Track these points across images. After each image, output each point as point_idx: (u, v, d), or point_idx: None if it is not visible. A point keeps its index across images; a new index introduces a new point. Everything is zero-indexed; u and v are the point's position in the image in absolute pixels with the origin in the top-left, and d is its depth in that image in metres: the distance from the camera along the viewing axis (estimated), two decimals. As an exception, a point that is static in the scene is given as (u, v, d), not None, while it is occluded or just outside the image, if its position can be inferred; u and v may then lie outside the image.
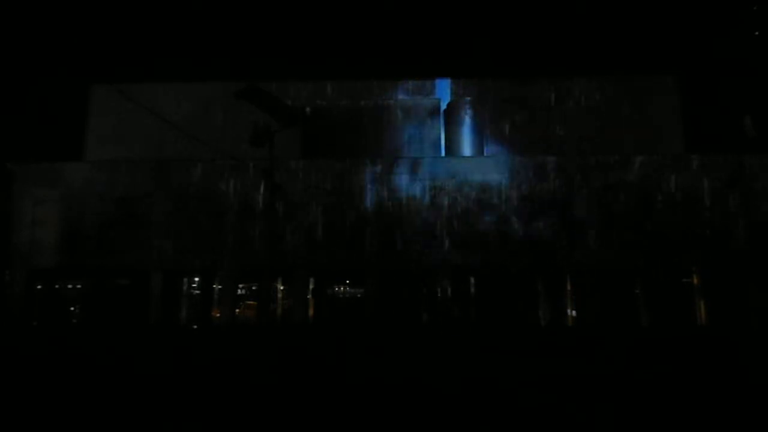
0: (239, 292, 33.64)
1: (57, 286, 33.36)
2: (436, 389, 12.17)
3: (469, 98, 38.56)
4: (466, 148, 37.18)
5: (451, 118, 38.09)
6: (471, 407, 10.15)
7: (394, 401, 10.94)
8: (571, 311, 33.39)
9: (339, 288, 34.35)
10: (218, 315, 32.83)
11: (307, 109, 38.73)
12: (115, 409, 10.10)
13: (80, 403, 10.56)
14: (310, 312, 32.32)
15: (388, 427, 8.97)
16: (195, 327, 33.34)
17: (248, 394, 11.78)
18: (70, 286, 33.39)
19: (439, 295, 31.08)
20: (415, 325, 30.81)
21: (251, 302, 34.28)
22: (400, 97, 40.02)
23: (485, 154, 37.43)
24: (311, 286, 32.67)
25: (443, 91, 40.40)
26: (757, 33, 40.67)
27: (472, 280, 32.08)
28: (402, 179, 32.32)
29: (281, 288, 33.98)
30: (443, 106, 39.03)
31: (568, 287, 31.82)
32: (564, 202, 31.64)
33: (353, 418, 9.61)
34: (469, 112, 37.50)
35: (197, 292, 35.31)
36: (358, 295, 32.63)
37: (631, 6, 70.58)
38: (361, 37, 79.30)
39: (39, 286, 32.97)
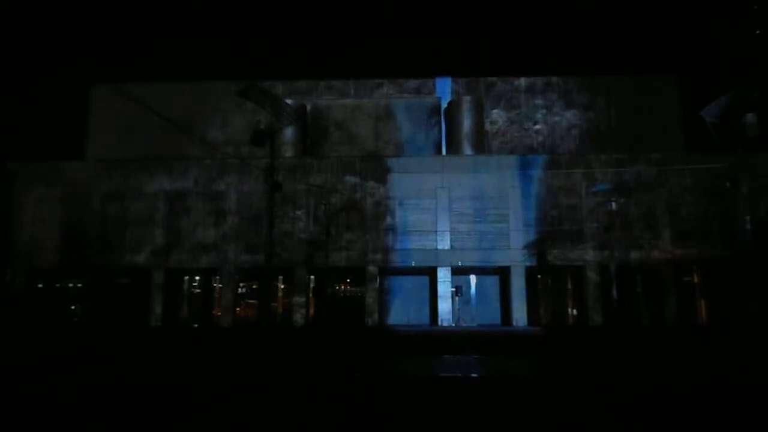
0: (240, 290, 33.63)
1: (58, 285, 33.31)
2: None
3: (469, 97, 38.49)
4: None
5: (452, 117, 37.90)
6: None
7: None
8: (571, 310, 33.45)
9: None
10: (219, 314, 32.83)
11: (308, 107, 38.63)
12: (115, 408, 10.08)
13: (80, 403, 10.54)
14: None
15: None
16: (195, 326, 33.35)
17: (246, 393, 11.74)
18: (71, 285, 33.35)
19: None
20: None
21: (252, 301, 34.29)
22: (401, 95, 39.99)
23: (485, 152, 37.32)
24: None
25: (444, 89, 40.30)
26: (757, 32, 40.64)
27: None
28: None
29: (282, 287, 33.98)
30: (444, 104, 38.89)
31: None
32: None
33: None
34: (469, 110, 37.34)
35: (198, 290, 35.34)
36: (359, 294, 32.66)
37: (632, 6, 70.64)
38: (361, 37, 79.38)
39: (40, 285, 32.93)
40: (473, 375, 14.20)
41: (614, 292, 24.45)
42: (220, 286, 32.99)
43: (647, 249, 31.01)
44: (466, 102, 37.67)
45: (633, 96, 39.65)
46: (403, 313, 33.52)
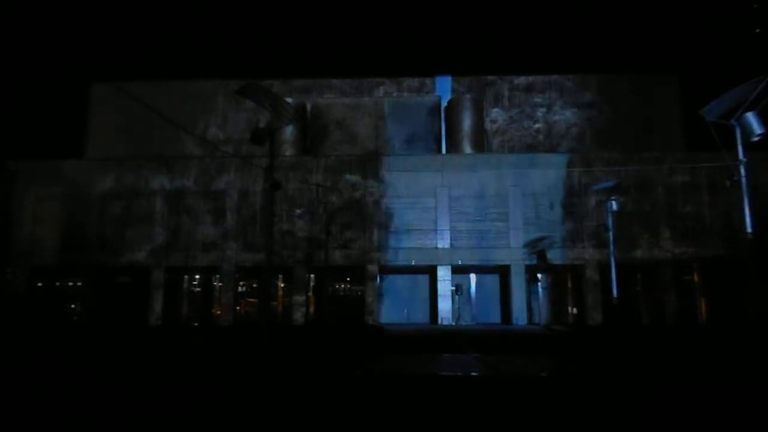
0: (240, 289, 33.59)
1: (58, 284, 33.28)
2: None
3: (469, 96, 38.46)
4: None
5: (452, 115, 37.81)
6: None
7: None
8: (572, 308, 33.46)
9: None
10: (219, 312, 32.81)
11: (308, 106, 38.61)
12: (114, 408, 10.08)
13: (79, 403, 10.53)
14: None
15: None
16: (195, 324, 33.32)
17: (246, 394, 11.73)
18: (71, 284, 33.32)
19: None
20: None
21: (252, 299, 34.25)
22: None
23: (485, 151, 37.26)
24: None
25: (444, 88, 40.28)
26: (757, 32, 40.62)
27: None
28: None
29: (282, 285, 33.93)
30: (444, 103, 38.84)
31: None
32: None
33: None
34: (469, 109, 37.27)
35: (198, 289, 35.28)
36: (359, 293, 32.62)
37: (632, 6, 70.56)
38: (361, 36, 79.33)
39: (40, 284, 32.88)
40: (473, 374, 14.20)
41: (614, 291, 24.43)
42: (220, 284, 32.98)
43: (647, 248, 31.02)
44: (466, 101, 37.64)
45: (633, 95, 39.65)
46: (403, 311, 33.53)
